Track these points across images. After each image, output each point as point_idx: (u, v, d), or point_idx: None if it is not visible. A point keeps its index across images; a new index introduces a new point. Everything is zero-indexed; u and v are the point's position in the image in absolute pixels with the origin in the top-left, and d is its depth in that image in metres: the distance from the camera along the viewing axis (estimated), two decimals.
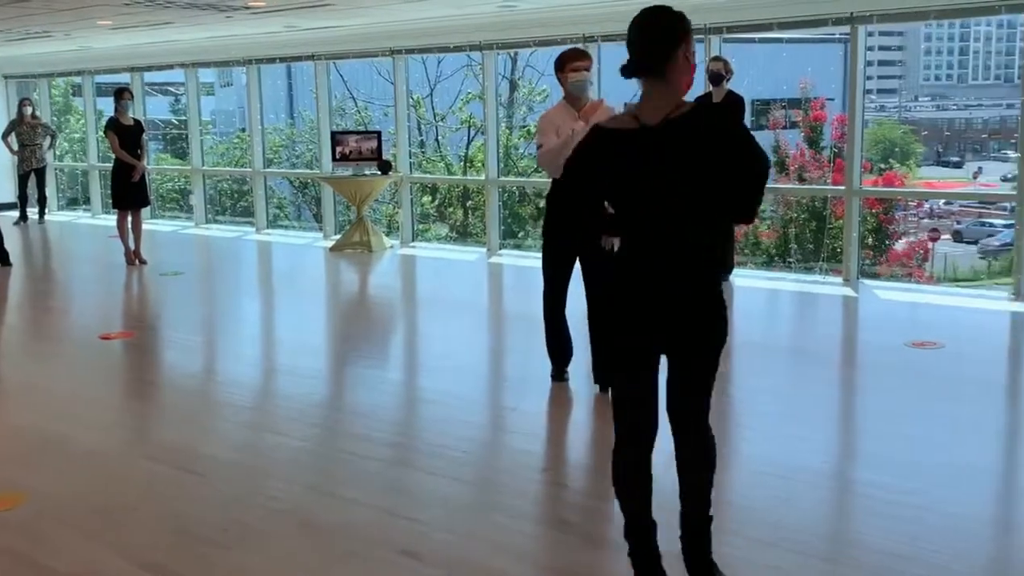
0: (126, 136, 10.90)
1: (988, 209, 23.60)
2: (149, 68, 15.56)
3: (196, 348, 7.63)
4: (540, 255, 5.83)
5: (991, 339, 7.34)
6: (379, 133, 12.30)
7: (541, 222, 6.06)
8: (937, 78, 45.13)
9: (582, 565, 3.69)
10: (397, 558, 3.73)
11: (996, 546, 3.93)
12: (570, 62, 5.47)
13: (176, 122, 21.99)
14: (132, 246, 11.06)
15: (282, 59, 14.07)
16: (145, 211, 11.83)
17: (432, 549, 3.80)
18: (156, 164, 18.45)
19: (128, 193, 10.97)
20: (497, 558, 3.72)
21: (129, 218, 11.05)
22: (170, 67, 15.45)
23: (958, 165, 32.22)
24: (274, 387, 6.68)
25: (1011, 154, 8.64)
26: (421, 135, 19.60)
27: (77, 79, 17.45)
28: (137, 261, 11.03)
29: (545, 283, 5.85)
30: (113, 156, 11.06)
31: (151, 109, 18.40)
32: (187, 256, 12.72)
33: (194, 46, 13.96)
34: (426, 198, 18.45)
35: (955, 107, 38.89)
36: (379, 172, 11.86)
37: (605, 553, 3.78)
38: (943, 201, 23.88)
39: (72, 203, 18.68)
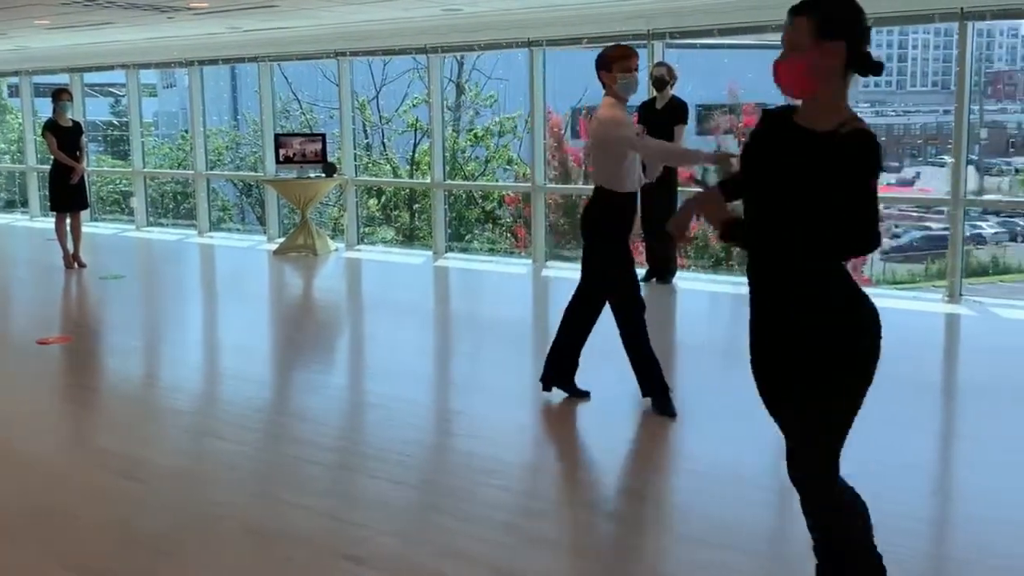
0: (65, 137, 10.73)
1: (927, 214, 24.13)
2: (89, 69, 15.32)
3: (137, 353, 7.52)
4: (606, 270, 5.50)
5: (926, 340, 7.51)
6: (324, 135, 12.25)
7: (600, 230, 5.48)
8: (876, 84, 45.99)
9: (526, 566, 3.71)
10: (340, 563, 3.72)
11: (931, 543, 4.03)
12: (619, 61, 5.18)
13: (117, 123, 21.66)
14: (71, 249, 10.88)
15: (225, 60, 13.93)
16: (84, 213, 11.64)
17: (375, 553, 3.80)
18: (96, 166, 18.15)
19: (67, 195, 10.80)
20: (441, 561, 3.73)
21: (68, 220, 10.87)
22: (110, 68, 15.22)
23: (896, 171, 32.84)
24: (217, 392, 6.61)
25: (947, 159, 8.85)
26: (367, 138, 19.53)
27: (14, 79, 17.12)
28: (76, 264, 10.85)
29: (629, 300, 5.54)
30: (51, 158, 10.87)
31: (92, 110, 18.11)
32: (128, 259, 12.54)
33: (135, 47, 13.77)
34: (372, 201, 18.39)
35: (894, 113, 39.65)
36: (323, 175, 11.81)
37: (549, 553, 3.81)
38: (883, 206, 24.36)
39: (9, 205, 18.32)
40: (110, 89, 21.85)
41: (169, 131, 23.92)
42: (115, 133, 21.87)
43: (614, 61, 5.18)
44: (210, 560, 3.78)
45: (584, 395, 5.72)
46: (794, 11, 2.72)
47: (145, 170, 15.39)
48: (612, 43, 5.45)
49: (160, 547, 3.88)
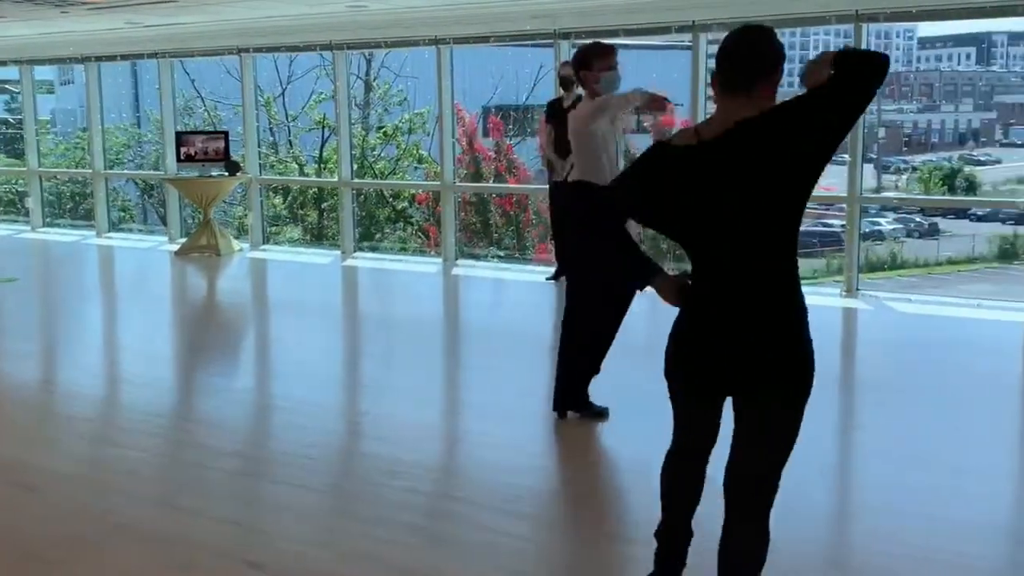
0: None
1: (827, 211, 24.79)
2: None
3: (32, 357, 7.27)
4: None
5: (823, 334, 7.69)
6: (226, 133, 12.01)
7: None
8: (779, 84, 47.05)
9: (429, 567, 3.69)
10: (241, 569, 3.65)
11: (829, 533, 4.13)
12: (598, 59, 5.09)
13: (12, 121, 20.94)
14: None
15: (124, 56, 13.57)
16: None
17: (277, 559, 3.73)
18: None
19: None
20: (343, 564, 3.69)
21: None
22: (3, 64, 14.69)
23: None
24: (115, 397, 6.43)
25: (846, 157, 9.09)
26: (273, 136, 19.23)
27: None
28: None
29: (612, 303, 5.36)
30: None
31: None
32: (22, 262, 12.12)
33: (28, 42, 13.31)
34: (278, 200, 18.12)
35: None
36: (227, 173, 11.58)
37: (451, 552, 3.80)
38: None
39: None
40: (5, 86, 21.11)
41: (67, 129, 23.20)
42: (10, 131, 21.14)
43: (594, 59, 5.12)
44: (106, 569, 3.67)
45: (602, 414, 5.36)
46: None
47: (41, 169, 14.89)
48: (591, 41, 5.47)
49: (53, 556, 3.76)
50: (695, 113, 9.43)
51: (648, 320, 8.37)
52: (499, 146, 16.26)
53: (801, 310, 2.82)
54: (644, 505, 4.23)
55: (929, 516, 4.06)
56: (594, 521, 4.12)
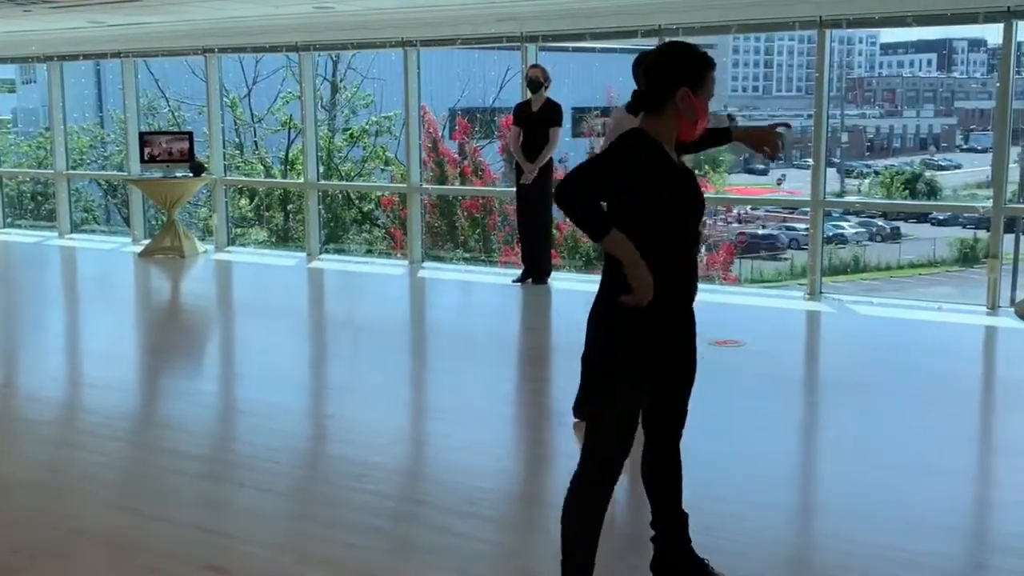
0: None
1: (792, 214, 25.01)
2: None
3: None
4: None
5: (787, 336, 7.78)
6: (191, 134, 11.91)
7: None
8: (744, 89, 47.47)
9: (391, 570, 3.69)
10: (203, 574, 3.62)
11: (788, 532, 4.17)
12: None
13: None
14: None
15: (87, 56, 13.43)
16: None
17: (240, 563, 3.71)
18: None
19: None
20: (306, 568, 3.68)
21: None
22: None
23: (764, 172, 33.94)
24: (76, 400, 6.36)
25: (810, 161, 9.20)
26: (238, 136, 19.10)
27: None
28: None
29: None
30: None
31: None
32: None
33: None
34: (243, 201, 18.00)
35: (761, 117, 40.97)
36: (191, 174, 11.48)
37: (413, 555, 3.80)
38: (750, 207, 25.18)
39: None
40: None
41: (28, 128, 22.90)
42: None
43: None
44: (61, 575, 3.62)
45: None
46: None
47: (2, 170, 14.68)
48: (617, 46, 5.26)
49: (10, 564, 3.71)
50: None
51: None
52: (463, 148, 16.26)
53: None
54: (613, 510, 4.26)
55: (889, 515, 4.11)
56: (557, 523, 4.12)
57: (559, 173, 10.65)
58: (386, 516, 4.23)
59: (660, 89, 2.98)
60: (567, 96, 11.09)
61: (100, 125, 20.85)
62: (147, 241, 12.06)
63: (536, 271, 9.22)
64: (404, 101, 10.86)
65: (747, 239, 22.91)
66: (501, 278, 9.84)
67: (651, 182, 2.92)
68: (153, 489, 4.54)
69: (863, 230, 26.47)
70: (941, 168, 33.61)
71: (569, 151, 16.52)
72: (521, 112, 9.07)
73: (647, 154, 2.95)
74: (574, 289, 9.57)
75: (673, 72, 2.97)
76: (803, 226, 23.13)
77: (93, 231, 16.58)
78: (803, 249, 20.57)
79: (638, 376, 3.08)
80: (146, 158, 11.53)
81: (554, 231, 10.80)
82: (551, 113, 8.92)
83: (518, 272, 9.42)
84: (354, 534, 3.97)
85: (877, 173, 31.46)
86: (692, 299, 3.17)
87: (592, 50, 17.91)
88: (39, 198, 18.98)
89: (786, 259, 23.68)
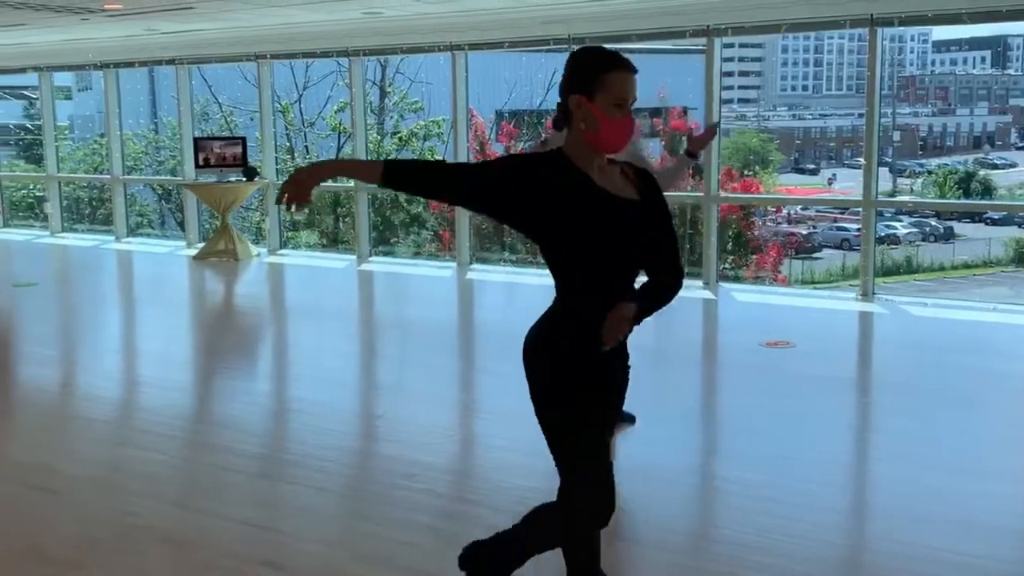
0: None
1: (843, 214, 24.72)
2: (0, 71, 14.92)
3: (51, 362, 7.34)
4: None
5: (839, 337, 7.71)
6: (244, 139, 12.09)
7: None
8: (794, 88, 46.99)
9: (444, 569, 3.72)
10: (259, 570, 3.69)
11: (841, 534, 4.14)
12: None
13: (31, 127, 21.10)
14: None
15: (142, 63, 13.68)
16: None
17: (295, 559, 3.77)
18: (9, 170, 17.65)
19: None
20: (361, 566, 3.73)
21: None
22: (22, 70, 14.83)
23: (814, 172, 33.61)
24: (134, 400, 6.49)
25: (861, 161, 9.12)
26: (289, 141, 19.33)
27: None
28: None
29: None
30: None
31: (4, 114, 17.64)
32: (42, 266, 12.23)
33: (48, 49, 13.44)
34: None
35: (810, 116, 40.56)
36: (244, 179, 11.66)
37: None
38: (800, 207, 24.93)
39: None
40: (23, 92, 21.28)
41: (85, 135, 23.37)
42: (28, 137, 21.30)
43: None
44: (124, 571, 3.71)
45: (630, 420, 5.21)
46: (633, 68, 2.75)
47: (59, 175, 15.02)
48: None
49: (72, 559, 3.80)
50: (708, 116, 9.45)
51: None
52: (510, 151, 16.31)
53: None
54: (648, 506, 4.27)
55: (942, 517, 4.07)
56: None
57: None
58: (437, 514, 4.27)
59: (562, 101, 2.74)
60: None
61: (155, 131, 21.22)
62: (201, 245, 12.26)
63: None
64: (452, 104, 10.93)
65: (799, 239, 22.68)
66: (548, 280, 9.81)
67: (546, 201, 2.69)
68: (210, 487, 4.63)
69: (916, 230, 26.07)
70: (996, 167, 32.99)
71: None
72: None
73: (548, 171, 2.70)
74: None
75: (566, 80, 2.73)
76: (854, 226, 22.86)
77: (148, 235, 16.87)
78: (853, 250, 20.34)
79: (576, 403, 2.86)
80: (200, 163, 11.73)
81: None
82: None
83: None
84: (406, 532, 4.02)
85: (930, 172, 30.97)
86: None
87: (640, 51, 17.86)
88: (94, 203, 19.36)
89: (819, 259, 23.40)
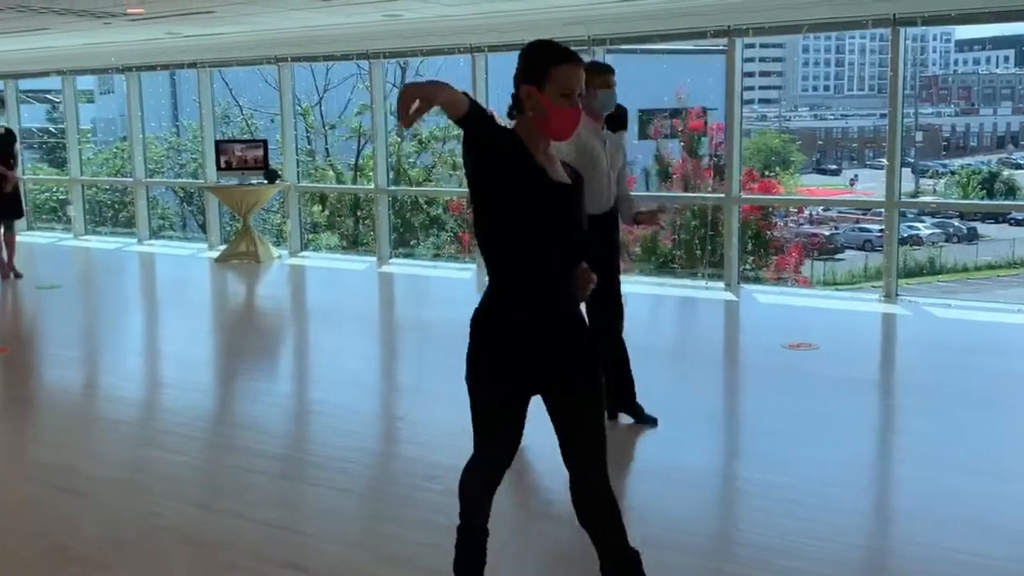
0: None
1: (865, 215, 24.56)
2: (24, 75, 15.04)
3: (75, 363, 7.40)
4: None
5: (862, 339, 7.66)
6: (265, 142, 12.14)
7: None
8: (815, 88, 46.76)
9: None
10: (282, 571, 3.70)
11: (864, 536, 4.11)
12: (598, 75, 5.04)
13: (53, 130, 21.27)
14: (5, 259, 10.66)
15: (164, 66, 13.78)
16: (20, 223, 11.42)
17: (317, 561, 3.79)
18: (32, 174, 17.81)
19: (0, 204, 10.59)
20: (383, 567, 3.74)
21: (1, 230, 10.65)
22: (46, 74, 14.95)
23: (836, 173, 33.43)
24: (157, 402, 6.53)
25: (884, 161, 9.06)
26: (310, 144, 19.41)
27: None
28: (11, 275, 10.63)
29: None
30: None
31: (27, 117, 17.77)
32: (65, 269, 12.33)
33: (71, 52, 13.54)
34: (316, 207, 18.27)
35: (832, 116, 40.36)
36: (265, 181, 11.71)
37: (489, 556, 3.82)
38: (822, 208, 24.80)
39: None
40: (46, 95, 21.45)
41: (107, 138, 23.55)
42: (51, 140, 21.48)
43: (592, 75, 4.82)
44: (145, 571, 3.74)
45: (652, 421, 5.32)
46: (580, 61, 2.93)
47: (82, 178, 15.13)
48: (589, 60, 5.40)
49: (97, 560, 3.83)
50: (730, 117, 9.41)
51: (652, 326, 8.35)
52: None
53: None
54: (669, 508, 4.25)
55: (965, 519, 4.04)
56: (631, 524, 4.12)
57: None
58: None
59: (515, 90, 2.95)
60: (634, 98, 11.04)
61: (176, 134, 21.35)
62: (223, 247, 12.32)
63: None
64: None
65: (821, 240, 22.56)
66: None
67: (502, 169, 2.85)
68: (232, 488, 4.65)
69: (939, 231, 25.88)
70: (1019, 167, 32.70)
71: (637, 154, 16.47)
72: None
73: (505, 147, 2.87)
74: (643, 292, 9.55)
75: (519, 71, 2.93)
76: (876, 227, 22.72)
77: (170, 237, 16.97)
78: (876, 251, 20.22)
79: (481, 384, 3.09)
80: (222, 165, 11.79)
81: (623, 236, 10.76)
82: (616, 117, 8.87)
83: None
84: (427, 533, 4.02)
85: (953, 173, 30.74)
86: (563, 311, 2.99)
87: (660, 51, 17.82)
88: (116, 206, 19.49)
89: (842, 260, 23.25)
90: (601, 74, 5.15)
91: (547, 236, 2.91)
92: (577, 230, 2.98)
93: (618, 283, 5.40)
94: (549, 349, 2.98)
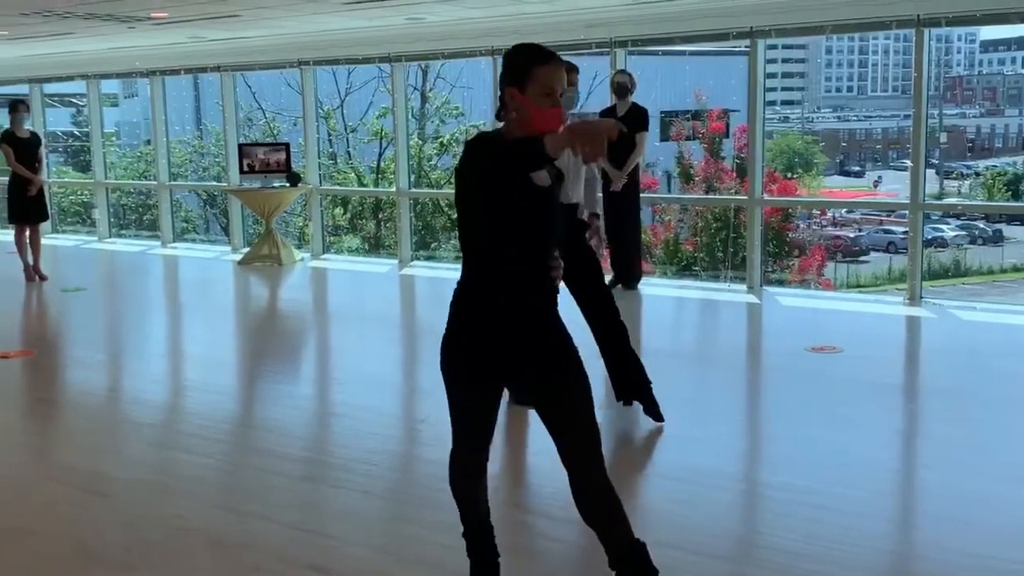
0: (22, 149, 10.61)
1: (888, 217, 24.41)
2: (49, 79, 15.18)
3: (100, 366, 7.46)
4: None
5: (886, 342, 7.61)
6: (287, 145, 12.20)
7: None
8: (838, 90, 46.54)
9: None
10: (306, 573, 3.71)
11: (889, 541, 4.08)
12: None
13: (78, 134, 21.45)
14: (31, 262, 10.76)
15: (187, 70, 13.87)
16: (45, 226, 11.52)
17: (341, 563, 3.79)
18: (57, 177, 17.97)
19: (25, 208, 10.69)
20: (408, 570, 3.74)
21: (27, 233, 10.75)
22: (70, 78, 15.09)
23: (859, 174, 33.25)
24: (181, 404, 6.56)
25: (908, 163, 9.00)
26: (332, 146, 19.48)
27: None
28: (37, 277, 10.73)
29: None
30: (9, 170, 10.76)
31: (52, 121, 17.93)
32: (90, 271, 12.42)
33: (95, 56, 13.66)
34: (338, 210, 18.34)
35: (855, 117, 40.15)
36: (288, 184, 11.76)
37: (511, 559, 3.82)
38: (845, 210, 24.67)
39: None
40: (71, 99, 21.64)
41: (131, 141, 23.73)
42: (76, 144, 21.66)
43: None
44: (173, 573, 3.75)
45: (658, 416, 5.36)
46: (561, 61, 3.01)
47: (107, 181, 15.25)
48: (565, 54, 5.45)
49: (122, 561, 3.85)
50: (752, 117, 9.37)
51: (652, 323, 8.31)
52: None
53: None
54: (693, 511, 4.24)
55: (992, 524, 4.00)
56: (647, 526, 4.11)
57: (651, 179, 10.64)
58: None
59: (501, 94, 3.02)
60: (656, 100, 11.05)
61: (199, 138, 21.49)
62: (246, 249, 12.39)
63: (627, 277, 9.19)
64: (492, 109, 10.93)
65: (844, 242, 22.45)
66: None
67: (483, 171, 2.91)
68: (256, 490, 4.66)
69: (964, 233, 25.69)
70: None
71: (659, 155, 16.44)
72: (608, 117, 9.05)
73: (487, 148, 2.93)
74: (664, 295, 9.53)
75: (502, 74, 3.00)
76: (900, 229, 22.57)
77: (193, 240, 17.07)
78: (900, 253, 20.08)
79: (448, 373, 3.18)
80: (245, 169, 11.85)
81: (644, 237, 10.77)
82: (637, 118, 8.89)
83: (608, 278, 9.39)
84: (450, 536, 4.00)
85: (978, 174, 30.51)
86: (537, 305, 3.10)
87: (682, 53, 17.78)
88: (140, 209, 19.64)
89: (866, 262, 23.12)
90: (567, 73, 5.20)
91: (527, 233, 3.01)
92: (556, 229, 3.10)
93: (601, 278, 5.62)
94: (521, 337, 3.06)
